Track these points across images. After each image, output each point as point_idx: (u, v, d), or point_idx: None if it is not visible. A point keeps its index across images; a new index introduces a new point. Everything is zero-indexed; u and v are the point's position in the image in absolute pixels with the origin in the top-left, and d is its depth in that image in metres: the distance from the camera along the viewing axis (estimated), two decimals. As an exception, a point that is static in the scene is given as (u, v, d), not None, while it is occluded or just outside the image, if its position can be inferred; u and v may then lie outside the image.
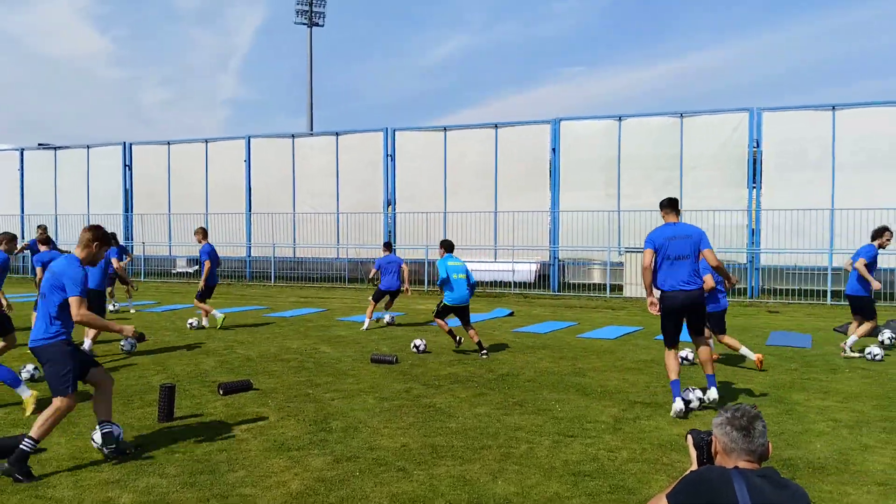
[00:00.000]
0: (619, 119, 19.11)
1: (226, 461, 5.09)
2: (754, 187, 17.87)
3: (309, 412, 6.48)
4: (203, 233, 12.45)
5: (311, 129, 48.37)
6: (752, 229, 17.85)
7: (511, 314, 14.30)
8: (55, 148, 26.49)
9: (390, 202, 21.73)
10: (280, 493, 4.51)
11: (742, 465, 2.45)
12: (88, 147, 25.65)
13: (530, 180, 20.10)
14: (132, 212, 24.67)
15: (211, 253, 11.97)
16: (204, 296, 11.96)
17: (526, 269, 19.73)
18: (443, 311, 9.67)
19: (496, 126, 20.58)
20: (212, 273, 11.87)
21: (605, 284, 18.42)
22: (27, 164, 26.58)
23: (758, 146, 17.77)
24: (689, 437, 2.79)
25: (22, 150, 26.88)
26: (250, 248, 23.08)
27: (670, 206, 6.67)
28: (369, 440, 5.60)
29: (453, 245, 9.96)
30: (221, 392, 7.17)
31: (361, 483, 4.68)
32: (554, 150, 19.67)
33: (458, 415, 6.37)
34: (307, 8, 53.17)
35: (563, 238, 19.40)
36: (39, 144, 27.43)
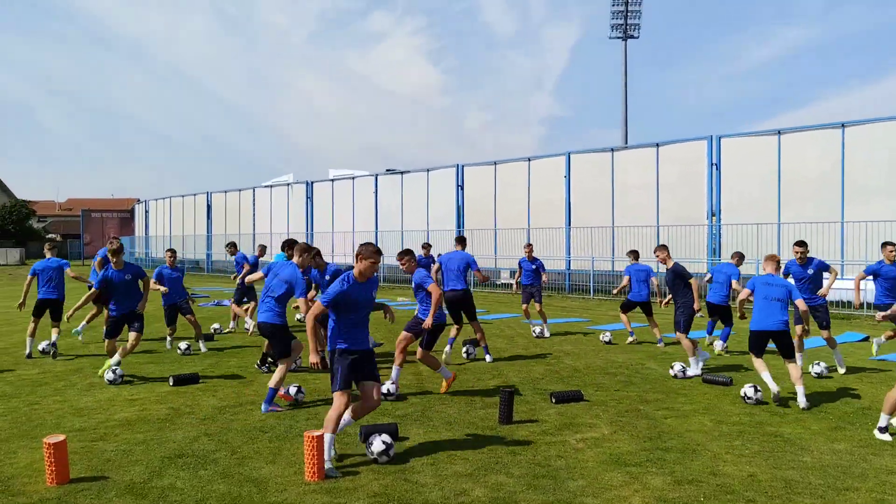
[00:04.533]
0: None
1: (565, 468, 5.25)
2: None
3: (642, 428, 6.38)
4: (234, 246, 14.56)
5: (626, 142, 48.02)
6: None
7: (866, 339, 12.47)
8: (401, 172, 30.12)
9: (714, 213, 20.51)
10: (621, 507, 4.51)
11: None
12: (428, 171, 28.69)
13: (888, 184, 17.38)
14: (463, 227, 26.92)
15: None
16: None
17: (882, 288, 17.02)
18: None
19: (842, 125, 18.22)
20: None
21: None
22: (379, 188, 30.65)
23: None
24: None
25: (376, 176, 31.09)
26: (570, 261, 23.60)
27: None
28: (711, 465, 5.32)
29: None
30: (554, 400, 7.42)
31: (707, 509, 4.45)
32: (920, 148, 16.75)
33: (813, 448, 5.73)
34: (622, 22, 53.09)
35: (933, 252, 16.35)
36: (387, 170, 31.44)
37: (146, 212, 48.81)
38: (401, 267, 7.94)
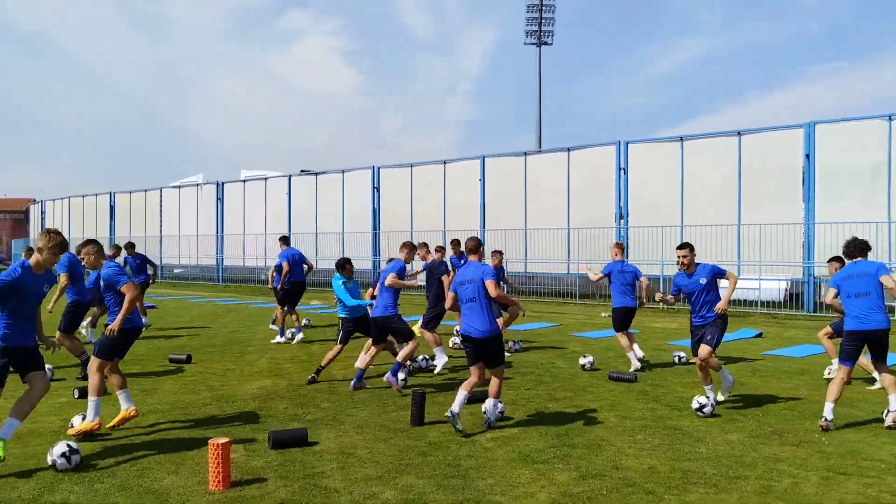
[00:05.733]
0: (889, 118, 16.87)
1: (475, 468, 5.31)
2: None
3: (550, 426, 6.54)
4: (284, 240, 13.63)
5: (540, 146, 49.03)
6: None
7: (759, 335, 13.22)
8: (315, 173, 29.70)
9: (622, 216, 21.26)
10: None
11: None
12: (343, 172, 28.42)
13: (779, 190, 18.49)
14: (379, 230, 26.81)
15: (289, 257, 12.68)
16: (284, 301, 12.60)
17: (774, 287, 18.10)
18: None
19: (739, 134, 19.25)
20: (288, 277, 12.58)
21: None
22: (293, 189, 30.12)
23: None
24: None
25: (289, 177, 30.53)
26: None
27: None
28: (614, 459, 5.50)
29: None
30: (466, 401, 7.48)
31: (609, 502, 4.60)
32: (808, 156, 17.91)
33: (708, 440, 6.03)
34: (536, 28, 54.22)
35: (818, 253, 17.52)
36: (301, 171, 30.92)
37: (42, 213, 46.11)
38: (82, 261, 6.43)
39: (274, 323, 13.35)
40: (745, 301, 17.89)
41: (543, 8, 53.16)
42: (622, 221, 21.15)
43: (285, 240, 13.79)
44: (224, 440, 4.90)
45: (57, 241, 5.64)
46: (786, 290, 18.15)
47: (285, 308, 12.59)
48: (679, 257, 7.40)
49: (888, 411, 6.43)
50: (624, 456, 5.58)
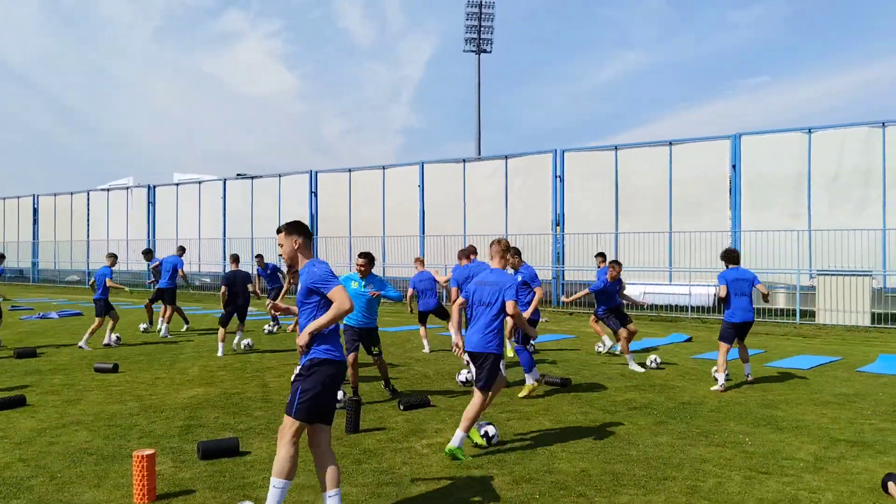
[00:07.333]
0: (809, 131, 17.70)
1: (409, 475, 5.29)
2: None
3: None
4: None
5: (479, 153, 49.47)
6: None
7: (689, 340, 13.62)
8: (251, 177, 29.19)
9: (558, 223, 21.63)
10: (462, 509, 4.60)
11: None
12: (280, 176, 28.01)
13: (708, 199, 19.15)
14: (317, 235, 26.49)
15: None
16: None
17: (704, 293, 18.71)
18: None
19: (670, 144, 19.86)
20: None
21: (792, 310, 17.02)
22: (228, 193, 29.50)
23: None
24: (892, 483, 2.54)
25: (224, 181, 29.90)
26: (423, 269, 23.91)
27: None
28: (547, 463, 5.57)
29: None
30: (402, 407, 7.47)
31: (542, 506, 4.65)
32: (734, 166, 18.61)
33: (639, 442, 6.16)
34: (475, 36, 54.78)
35: (745, 260, 18.16)
36: (238, 175, 30.36)
37: (-41, 215, 43.85)
38: None
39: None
40: (676, 306, 18.42)
41: (482, 16, 53.78)
42: (558, 228, 21.52)
43: (181, 249, 16.37)
44: (149, 451, 4.74)
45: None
46: (714, 295, 18.76)
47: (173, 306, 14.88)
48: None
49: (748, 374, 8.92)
50: (557, 460, 5.65)
